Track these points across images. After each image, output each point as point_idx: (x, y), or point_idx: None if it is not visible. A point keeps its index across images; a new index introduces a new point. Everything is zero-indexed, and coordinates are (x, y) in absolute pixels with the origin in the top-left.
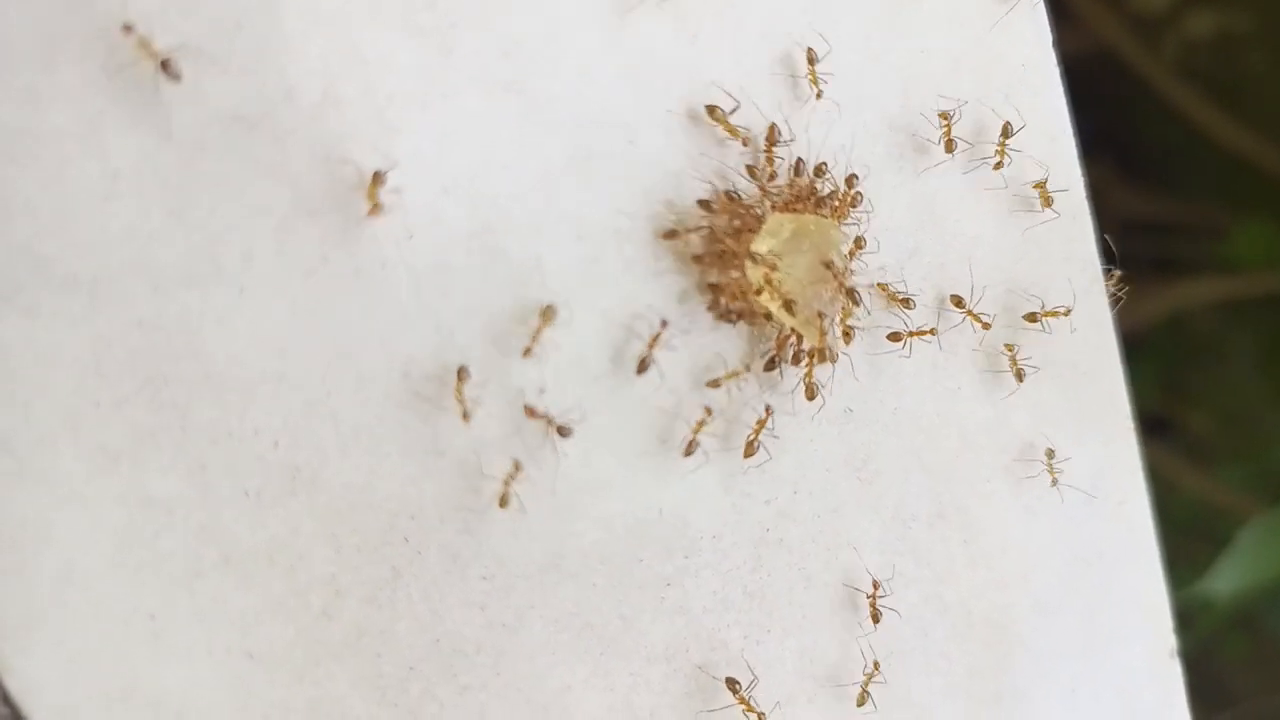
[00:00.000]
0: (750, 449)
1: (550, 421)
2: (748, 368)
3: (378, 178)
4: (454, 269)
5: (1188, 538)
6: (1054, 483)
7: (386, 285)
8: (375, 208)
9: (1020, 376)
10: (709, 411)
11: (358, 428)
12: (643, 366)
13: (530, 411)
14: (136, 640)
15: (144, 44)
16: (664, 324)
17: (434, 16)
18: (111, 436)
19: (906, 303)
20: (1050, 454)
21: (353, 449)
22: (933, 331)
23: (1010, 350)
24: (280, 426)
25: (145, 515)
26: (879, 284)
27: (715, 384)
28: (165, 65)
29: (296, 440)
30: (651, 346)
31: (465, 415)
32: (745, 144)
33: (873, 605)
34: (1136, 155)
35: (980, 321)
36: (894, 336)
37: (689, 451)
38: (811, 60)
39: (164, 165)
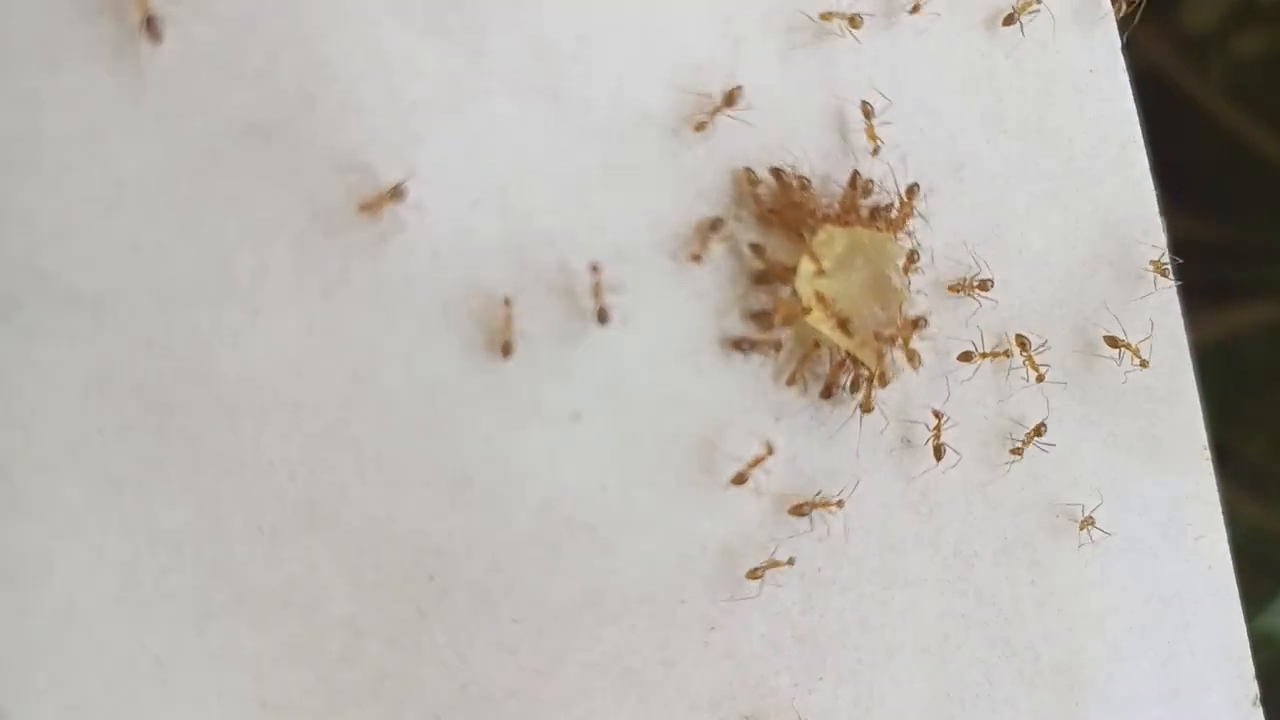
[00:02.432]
0: (740, 479)
1: (599, 293)
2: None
3: (395, 191)
4: (484, 286)
5: (1247, 569)
6: (1084, 529)
7: (411, 304)
8: (381, 215)
9: (1040, 377)
10: (769, 449)
11: (380, 456)
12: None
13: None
14: (142, 685)
15: None
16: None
17: (461, 17)
18: (116, 465)
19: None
20: (1089, 521)
21: (374, 479)
22: (1006, 354)
23: (1024, 348)
24: (297, 456)
25: (152, 550)
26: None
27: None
28: (150, 23)
29: (314, 471)
30: None
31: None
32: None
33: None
34: (1188, 177)
35: (1036, 371)
36: (964, 357)
37: (740, 481)
38: (868, 115)
39: (173, 176)
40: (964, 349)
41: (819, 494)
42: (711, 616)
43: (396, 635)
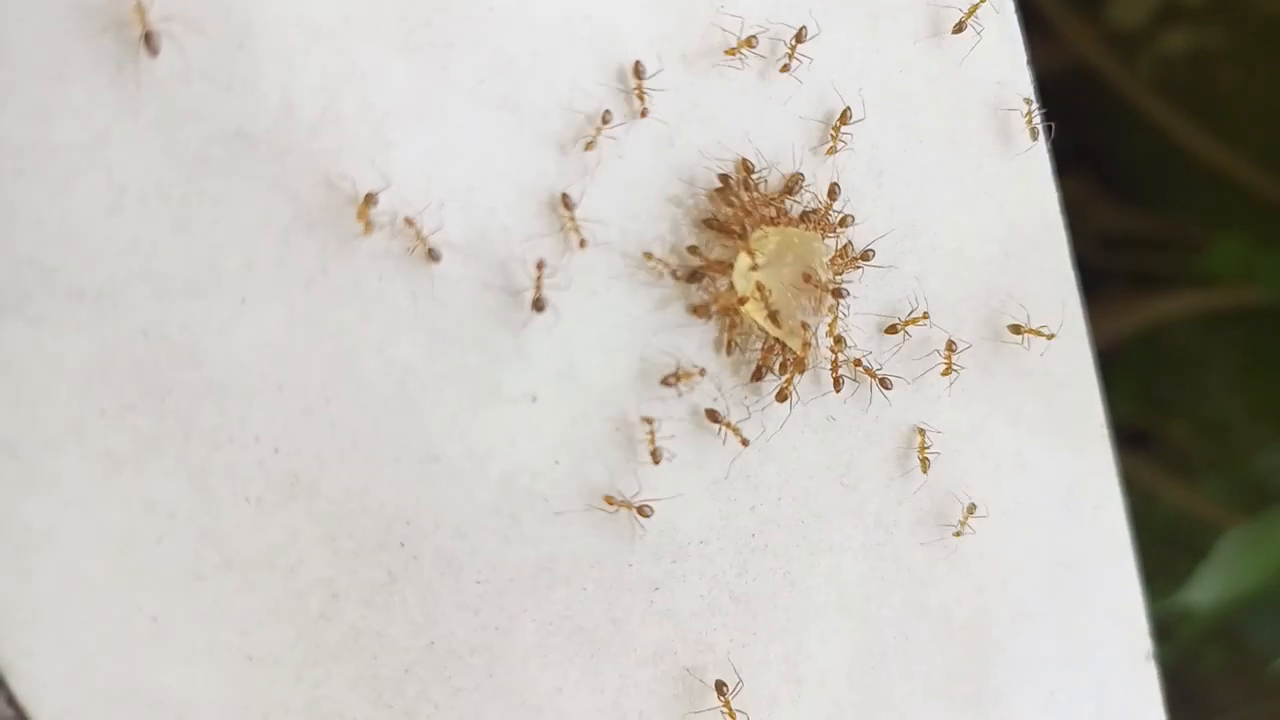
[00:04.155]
0: (655, 457)
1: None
2: (702, 371)
3: (369, 199)
4: (450, 278)
5: (1167, 549)
6: (957, 534)
7: (384, 295)
8: (368, 227)
9: (947, 371)
10: (649, 420)
11: (356, 434)
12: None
13: (540, 267)
14: (139, 642)
15: (140, 10)
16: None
17: (430, 34)
18: (116, 442)
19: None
20: (971, 509)
21: (350, 455)
22: (925, 316)
23: (950, 350)
24: (280, 433)
25: (148, 520)
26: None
27: (667, 382)
28: (148, 38)
29: (296, 447)
30: None
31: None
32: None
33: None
34: (1114, 170)
35: (949, 368)
36: (890, 330)
37: (656, 460)
38: (845, 120)
39: (168, 180)
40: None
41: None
42: (655, 579)
43: (370, 596)
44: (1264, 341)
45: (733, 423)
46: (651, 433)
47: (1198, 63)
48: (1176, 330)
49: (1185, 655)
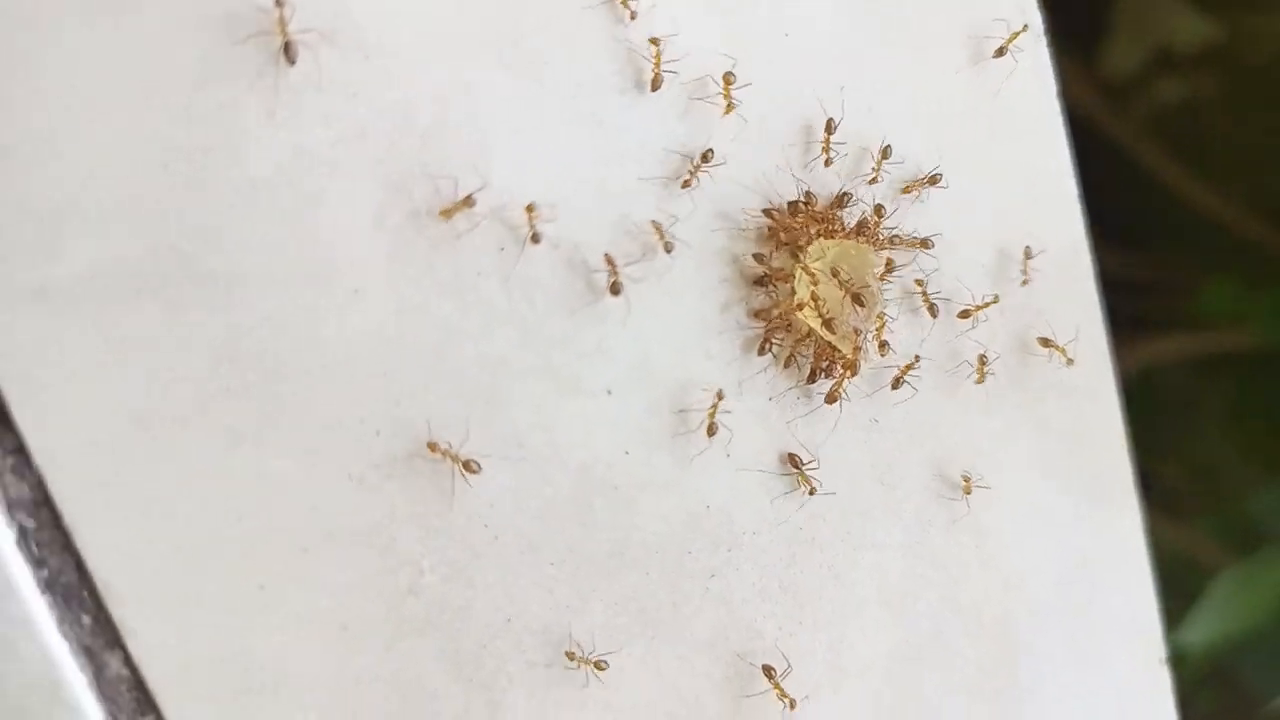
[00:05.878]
0: (710, 430)
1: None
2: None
3: (468, 200)
4: (539, 278)
5: (1159, 589)
6: (967, 491)
7: (482, 291)
8: (457, 217)
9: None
10: (720, 395)
11: (450, 420)
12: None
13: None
14: (247, 608)
15: (282, 22)
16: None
17: (523, 55)
18: (238, 419)
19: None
20: (966, 479)
21: (445, 439)
22: (996, 299)
23: (983, 363)
24: (383, 417)
25: (261, 491)
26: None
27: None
28: (288, 47)
29: (396, 430)
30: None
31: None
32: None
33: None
34: (1108, 215)
35: (981, 379)
36: (964, 314)
37: (711, 432)
38: (829, 130)
39: (297, 178)
40: (917, 354)
41: (810, 461)
42: (713, 566)
43: (454, 574)
44: (1255, 384)
45: (805, 473)
46: (714, 407)
47: (1190, 110)
48: (1169, 373)
49: (1179, 697)
